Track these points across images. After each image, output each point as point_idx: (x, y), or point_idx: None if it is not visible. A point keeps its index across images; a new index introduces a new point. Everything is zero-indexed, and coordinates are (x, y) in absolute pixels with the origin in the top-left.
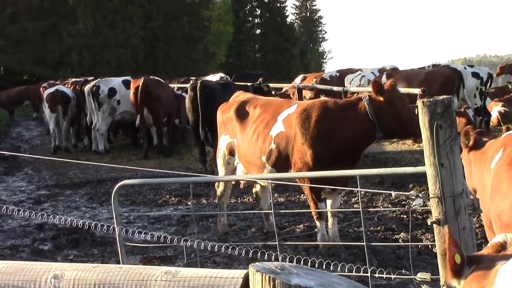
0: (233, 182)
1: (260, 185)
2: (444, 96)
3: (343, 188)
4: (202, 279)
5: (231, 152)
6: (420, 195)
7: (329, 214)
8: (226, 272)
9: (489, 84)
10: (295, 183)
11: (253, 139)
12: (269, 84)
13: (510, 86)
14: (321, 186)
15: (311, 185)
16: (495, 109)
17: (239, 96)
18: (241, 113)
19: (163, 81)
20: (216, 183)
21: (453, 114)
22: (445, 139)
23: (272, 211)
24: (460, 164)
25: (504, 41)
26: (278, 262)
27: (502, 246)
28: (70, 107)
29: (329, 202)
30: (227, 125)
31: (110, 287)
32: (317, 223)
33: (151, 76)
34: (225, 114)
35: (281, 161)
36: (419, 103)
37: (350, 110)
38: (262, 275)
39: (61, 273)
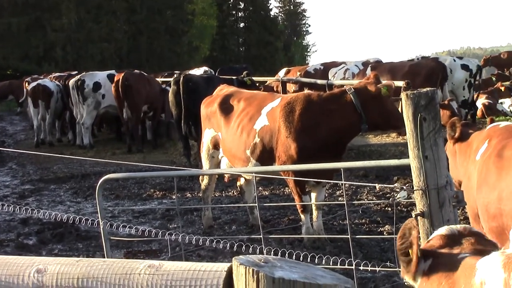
0: (217, 176)
1: (245, 178)
2: (428, 89)
3: (328, 181)
4: (186, 272)
5: (216, 146)
6: (405, 187)
7: (313, 207)
8: (210, 265)
9: (478, 76)
10: (280, 177)
11: (238, 133)
12: (253, 78)
13: (494, 79)
14: (305, 179)
15: (296, 178)
16: (479, 101)
17: (222, 90)
18: (225, 107)
19: (146, 75)
20: (200, 177)
21: (436, 107)
22: (429, 132)
23: (256, 204)
24: (444, 156)
25: (488, 34)
26: (262, 255)
27: (450, 238)
28: (53, 100)
29: (313, 195)
30: (211, 119)
31: (93, 281)
32: (302, 216)
33: (136, 70)
34: (209, 108)
35: (266, 155)
36: (402, 95)
37: (334, 102)
38: (246, 268)
39: (44, 267)
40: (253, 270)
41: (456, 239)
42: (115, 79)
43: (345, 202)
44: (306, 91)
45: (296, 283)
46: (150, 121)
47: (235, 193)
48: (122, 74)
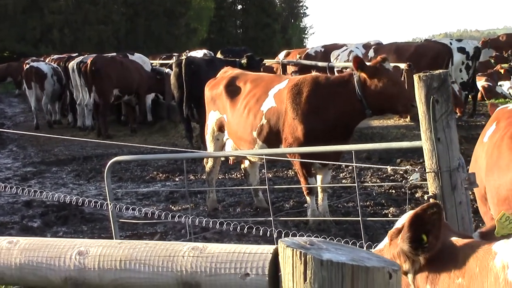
0: (223, 158)
1: (249, 161)
2: (440, 71)
3: (336, 163)
4: (231, 254)
5: (221, 128)
6: (417, 169)
7: (319, 190)
8: (255, 248)
9: (476, 58)
10: (287, 159)
11: (244, 115)
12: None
13: (492, 61)
14: (312, 161)
15: (303, 160)
16: (479, 83)
17: (227, 72)
18: (231, 89)
19: (121, 58)
20: (205, 159)
21: (449, 89)
22: (442, 114)
23: (266, 186)
24: (456, 139)
25: (485, 16)
26: (307, 237)
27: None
28: (47, 83)
29: (319, 177)
30: (216, 101)
31: (136, 263)
32: (307, 198)
33: (136, 53)
34: (214, 90)
35: (272, 137)
36: (415, 77)
37: (341, 86)
38: (293, 250)
39: (86, 249)
40: (300, 252)
41: (424, 220)
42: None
43: (356, 185)
44: (313, 73)
45: (344, 266)
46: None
47: (238, 176)
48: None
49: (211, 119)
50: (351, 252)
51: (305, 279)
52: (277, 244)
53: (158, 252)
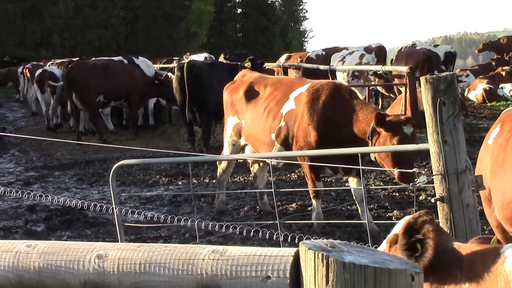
0: (241, 161)
1: (259, 164)
2: (447, 73)
3: (341, 165)
4: (252, 257)
5: (238, 134)
6: (424, 172)
7: (357, 202)
8: (276, 250)
9: (449, 63)
10: (295, 162)
11: (263, 117)
12: (256, 63)
13: (493, 64)
14: (322, 164)
15: (315, 163)
16: (480, 86)
17: (246, 75)
18: (251, 93)
19: (108, 64)
20: (252, 168)
21: (456, 91)
22: (448, 116)
23: (272, 190)
24: (463, 141)
25: (484, 19)
26: (327, 240)
27: (412, 228)
28: (59, 87)
29: (353, 185)
30: (235, 106)
31: (156, 266)
32: (313, 201)
33: (139, 56)
34: (233, 95)
35: (289, 139)
36: (422, 80)
37: (360, 111)
38: (315, 252)
39: (105, 252)
40: (322, 255)
41: (416, 228)
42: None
43: (363, 187)
44: (336, 81)
45: (367, 268)
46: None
47: (241, 179)
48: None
49: (230, 124)
50: (372, 254)
51: (327, 282)
52: (284, 247)
53: (178, 255)
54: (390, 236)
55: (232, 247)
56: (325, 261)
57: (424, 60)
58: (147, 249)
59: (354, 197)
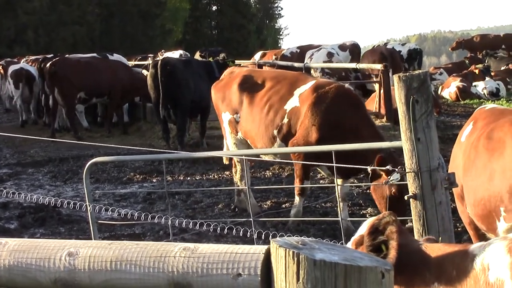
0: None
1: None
2: (420, 71)
3: (318, 163)
4: (223, 255)
5: (235, 130)
6: (397, 170)
7: (338, 199)
8: (247, 248)
9: (413, 60)
10: (290, 161)
11: (264, 112)
12: (229, 62)
13: (467, 61)
14: (294, 161)
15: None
16: (454, 84)
17: (234, 72)
18: (246, 87)
19: (89, 60)
20: (233, 168)
21: (429, 89)
22: (421, 114)
23: (246, 187)
24: (436, 139)
25: (458, 17)
26: (298, 237)
27: (376, 229)
28: (35, 85)
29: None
30: (227, 101)
31: (127, 264)
32: (297, 198)
33: (115, 54)
34: (225, 91)
35: (291, 136)
36: (395, 78)
37: (366, 127)
38: (286, 250)
39: (76, 250)
40: (293, 252)
41: (380, 229)
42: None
43: (336, 185)
44: (346, 84)
45: (337, 265)
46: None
47: (216, 176)
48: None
49: (225, 122)
50: (343, 252)
51: (298, 279)
52: (258, 244)
53: (149, 252)
54: (355, 237)
55: (203, 244)
56: (296, 259)
57: (381, 59)
58: (118, 247)
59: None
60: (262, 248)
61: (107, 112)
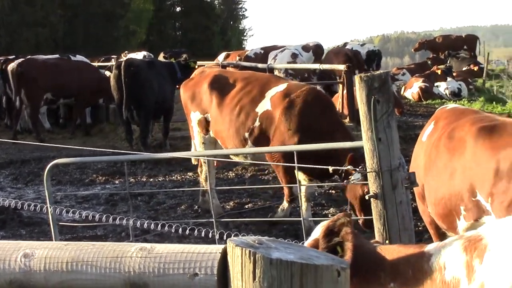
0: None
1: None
2: (381, 71)
3: (277, 163)
4: (179, 254)
5: (205, 129)
6: (358, 169)
7: (303, 199)
8: (204, 247)
9: (371, 61)
10: (267, 162)
11: (235, 114)
12: (191, 63)
13: (429, 62)
14: (254, 162)
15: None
16: (416, 84)
17: (205, 71)
18: (217, 87)
19: (56, 61)
20: (199, 168)
21: (390, 89)
22: (382, 114)
23: (208, 187)
24: (397, 138)
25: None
26: (255, 236)
27: (331, 231)
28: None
29: (303, 187)
30: (197, 101)
31: (83, 264)
32: (287, 204)
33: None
34: (195, 89)
35: (263, 140)
36: (356, 78)
37: (339, 129)
38: (242, 249)
39: (32, 251)
40: (249, 251)
41: (335, 231)
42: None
43: (298, 185)
44: (317, 87)
45: (293, 264)
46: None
47: (178, 177)
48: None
49: (194, 121)
50: (299, 250)
51: (254, 278)
52: (221, 244)
53: (106, 253)
54: (309, 241)
55: (160, 244)
56: (252, 258)
57: (346, 60)
58: (74, 248)
59: (302, 195)
60: (219, 247)
61: (72, 114)
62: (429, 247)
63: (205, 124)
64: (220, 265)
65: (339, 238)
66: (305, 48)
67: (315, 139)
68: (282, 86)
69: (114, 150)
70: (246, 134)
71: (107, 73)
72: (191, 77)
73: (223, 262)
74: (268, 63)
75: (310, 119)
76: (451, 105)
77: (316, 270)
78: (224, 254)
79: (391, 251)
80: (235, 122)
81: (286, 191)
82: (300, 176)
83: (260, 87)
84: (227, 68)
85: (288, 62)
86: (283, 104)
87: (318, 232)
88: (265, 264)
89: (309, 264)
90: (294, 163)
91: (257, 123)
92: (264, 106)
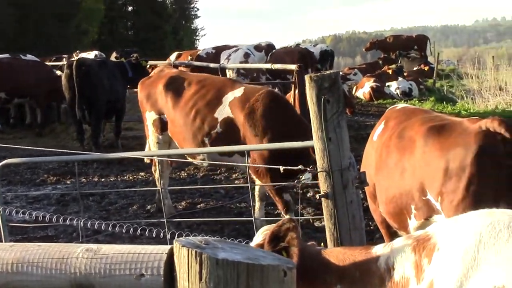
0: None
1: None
2: (331, 71)
3: (229, 164)
4: (126, 255)
5: (160, 129)
6: (309, 169)
7: (256, 198)
8: (150, 248)
9: (324, 61)
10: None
11: (191, 117)
12: (143, 61)
13: (380, 62)
14: (185, 160)
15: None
16: (367, 84)
17: (164, 71)
18: (172, 88)
19: (11, 59)
20: (153, 167)
21: (340, 89)
22: (333, 114)
23: (159, 188)
24: (347, 138)
25: (372, 18)
26: (202, 237)
27: (276, 235)
28: None
29: (257, 188)
30: (153, 101)
31: (29, 266)
32: (286, 216)
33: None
34: (150, 89)
35: (226, 145)
36: (306, 78)
37: (299, 124)
38: (188, 250)
39: None
40: (196, 252)
41: (280, 236)
42: None
43: (249, 185)
44: (270, 88)
45: (240, 264)
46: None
47: (130, 177)
48: None
49: (148, 120)
50: (246, 251)
51: (200, 279)
52: (172, 245)
53: (51, 254)
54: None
55: (106, 245)
56: (198, 258)
57: (299, 59)
58: (20, 249)
59: (256, 195)
60: (165, 248)
61: (23, 113)
62: (376, 248)
63: (160, 124)
64: (166, 265)
65: (284, 243)
66: (258, 48)
67: (284, 140)
68: (239, 91)
69: (65, 150)
70: (206, 140)
71: (59, 72)
72: (149, 75)
73: (169, 263)
74: (221, 62)
75: (274, 122)
76: (401, 104)
77: (262, 270)
78: (171, 254)
79: (336, 254)
80: (191, 126)
81: (279, 203)
82: (255, 174)
83: (216, 91)
84: (179, 68)
85: (241, 62)
86: (244, 111)
87: (259, 237)
88: (211, 265)
89: (256, 264)
90: (276, 176)
91: (218, 129)
92: (223, 112)
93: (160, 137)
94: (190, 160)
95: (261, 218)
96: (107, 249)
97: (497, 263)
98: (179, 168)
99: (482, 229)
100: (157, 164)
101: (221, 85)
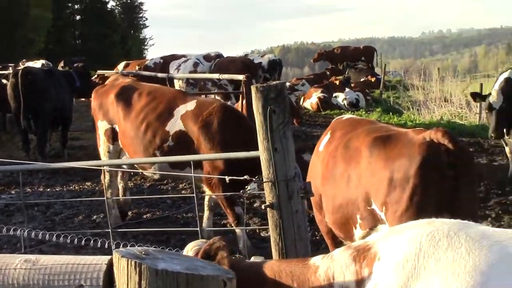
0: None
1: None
2: (277, 82)
3: (180, 174)
4: (65, 266)
5: (111, 139)
6: (254, 179)
7: (205, 207)
8: (90, 259)
9: (273, 70)
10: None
11: (142, 130)
12: (92, 71)
13: (328, 73)
14: (138, 171)
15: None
16: (315, 95)
17: (118, 80)
18: (124, 98)
19: None
20: (102, 175)
21: (286, 99)
22: (278, 124)
23: (104, 198)
24: (292, 148)
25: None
26: (142, 247)
27: (208, 253)
28: None
29: (207, 197)
30: (104, 110)
31: None
32: (237, 230)
33: None
34: (102, 99)
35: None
36: (252, 88)
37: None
38: (128, 260)
39: None
40: (135, 262)
41: (211, 255)
42: None
43: (194, 195)
44: (222, 100)
45: (179, 275)
46: None
47: (76, 187)
48: None
49: (100, 129)
50: (186, 261)
51: None
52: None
53: None
54: None
55: (45, 256)
56: (138, 269)
57: (242, 68)
58: None
59: (205, 204)
60: (105, 258)
61: None
62: (314, 259)
63: (112, 134)
64: (105, 276)
65: (215, 262)
66: (207, 57)
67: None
68: (191, 105)
69: (10, 160)
70: (157, 153)
71: (4, 81)
72: (104, 83)
73: (109, 273)
74: (171, 72)
75: (229, 134)
76: (347, 115)
77: (202, 280)
78: (110, 265)
79: (272, 266)
80: (142, 140)
81: (230, 215)
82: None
83: (167, 103)
84: (127, 77)
85: (190, 72)
86: (198, 124)
87: (189, 253)
88: (151, 275)
89: (195, 274)
90: (229, 188)
91: (170, 143)
92: (175, 125)
93: (111, 147)
94: (141, 171)
95: (207, 228)
96: (46, 259)
97: (436, 271)
98: (133, 176)
99: (422, 238)
100: (106, 173)
101: (172, 98)
